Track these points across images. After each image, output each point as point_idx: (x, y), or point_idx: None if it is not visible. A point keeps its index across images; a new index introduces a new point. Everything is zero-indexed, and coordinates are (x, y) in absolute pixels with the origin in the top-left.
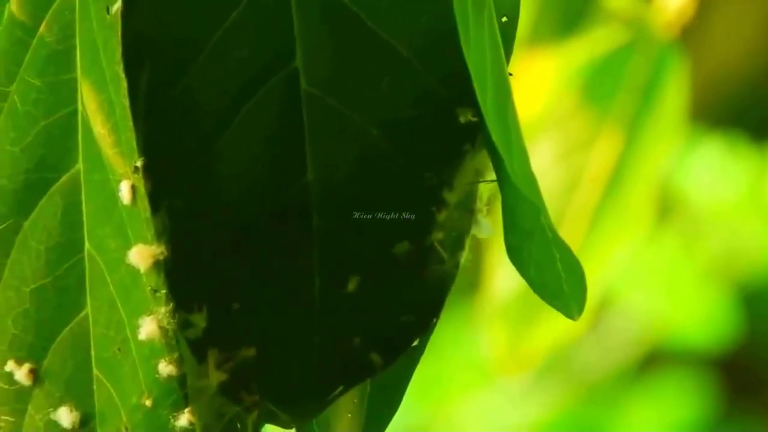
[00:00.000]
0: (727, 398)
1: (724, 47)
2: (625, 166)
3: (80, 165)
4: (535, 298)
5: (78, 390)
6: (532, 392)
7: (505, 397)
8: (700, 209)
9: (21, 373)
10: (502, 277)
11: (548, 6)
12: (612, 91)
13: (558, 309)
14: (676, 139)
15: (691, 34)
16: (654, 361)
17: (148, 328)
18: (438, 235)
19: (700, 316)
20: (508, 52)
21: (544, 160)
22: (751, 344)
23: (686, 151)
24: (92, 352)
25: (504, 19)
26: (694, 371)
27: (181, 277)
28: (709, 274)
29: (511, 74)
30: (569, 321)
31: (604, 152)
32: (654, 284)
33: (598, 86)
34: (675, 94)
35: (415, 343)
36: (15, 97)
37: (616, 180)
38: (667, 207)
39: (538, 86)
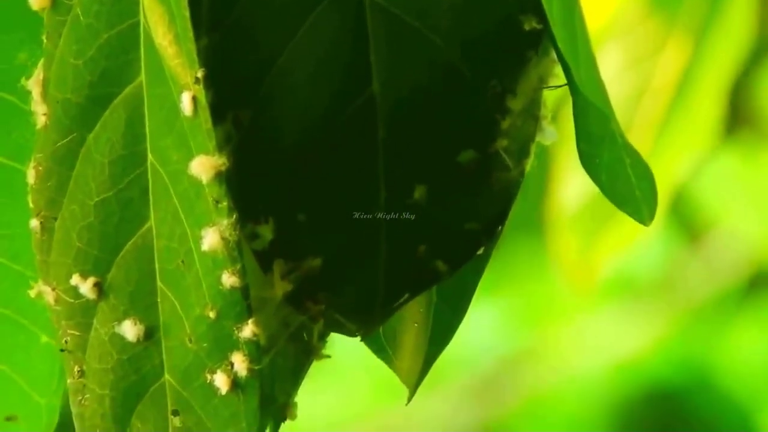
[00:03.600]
0: None
1: None
2: (692, 74)
3: (143, 77)
4: (603, 207)
5: (142, 303)
6: (635, 315)
7: (608, 319)
8: None
9: (86, 287)
10: (569, 186)
11: None
12: None
13: (629, 214)
14: (744, 47)
15: None
16: (759, 283)
17: (210, 239)
18: (503, 143)
19: None
20: None
21: (612, 68)
22: None
23: None
24: (156, 265)
25: None
26: None
27: (246, 189)
28: None
29: None
30: (637, 229)
31: (671, 60)
32: (758, 206)
33: None
34: (743, 2)
35: (480, 251)
36: (78, 9)
37: (683, 88)
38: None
39: None
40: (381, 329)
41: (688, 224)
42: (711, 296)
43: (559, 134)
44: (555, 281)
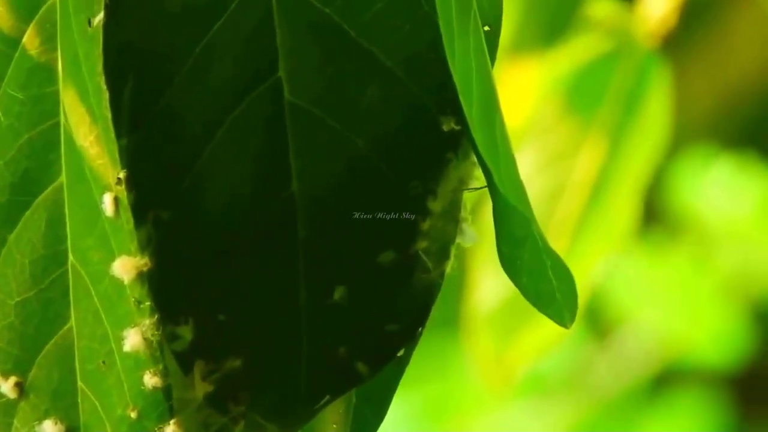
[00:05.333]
0: (742, 415)
1: (718, 60)
2: (608, 174)
3: (63, 177)
4: (520, 307)
5: (63, 402)
6: (546, 411)
7: (520, 415)
8: (713, 228)
9: (7, 387)
10: (487, 286)
11: (532, 14)
12: (596, 100)
13: (550, 317)
14: (657, 148)
15: (675, 44)
16: (668, 379)
17: (132, 339)
18: (423, 244)
19: (713, 334)
20: (491, 61)
21: (529, 169)
22: (762, 359)
23: (698, 170)
24: (77, 365)
25: (486, 28)
26: (709, 389)
27: (166, 289)
28: (721, 292)
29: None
30: (554, 330)
31: (588, 161)
32: (667, 302)
33: (582, 95)
34: (658, 104)
35: (401, 352)
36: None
37: (599, 188)
38: (680, 226)
39: (523, 95)
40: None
41: (598, 321)
42: (620, 392)
43: (477, 235)
44: (470, 379)
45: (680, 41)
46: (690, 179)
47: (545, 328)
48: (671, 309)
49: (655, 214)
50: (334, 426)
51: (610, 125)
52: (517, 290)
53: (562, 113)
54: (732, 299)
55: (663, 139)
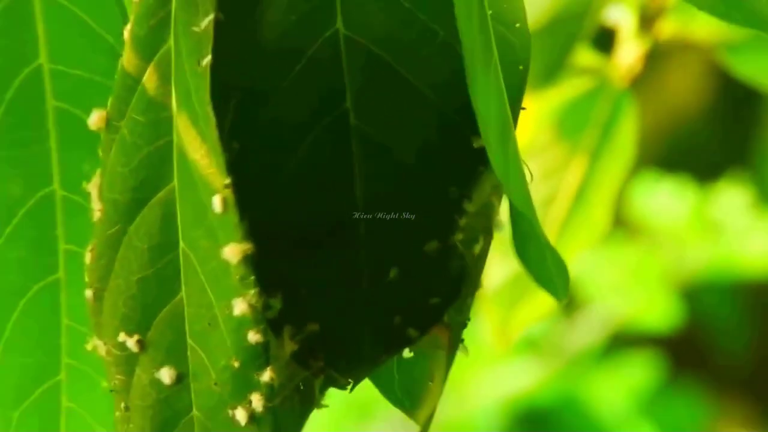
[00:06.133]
0: (673, 370)
1: (670, 96)
2: (588, 187)
3: (175, 183)
4: (521, 285)
5: (175, 355)
6: (530, 366)
7: (503, 371)
8: (657, 230)
9: (130, 342)
10: (495, 270)
11: (531, 62)
12: (580, 129)
13: (549, 292)
14: (627, 167)
15: (641, 85)
16: (617, 342)
17: (240, 306)
18: (459, 236)
19: (653, 309)
20: (522, 93)
21: (530, 180)
22: (690, 329)
23: (646, 188)
24: (186, 326)
25: (521, 67)
26: (648, 350)
27: (262, 270)
28: (660, 278)
29: (524, 108)
30: (545, 304)
31: (573, 176)
32: (621, 286)
33: (569, 124)
34: (627, 132)
35: (446, 318)
36: (124, 130)
37: (581, 198)
38: (634, 228)
39: (523, 123)
40: (397, 387)
41: (570, 300)
42: (583, 352)
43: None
44: (482, 338)
45: (644, 83)
46: (642, 193)
47: (539, 301)
48: (624, 291)
49: (616, 219)
50: (430, 383)
51: (591, 149)
52: (518, 272)
53: (553, 138)
54: (669, 283)
55: (630, 160)
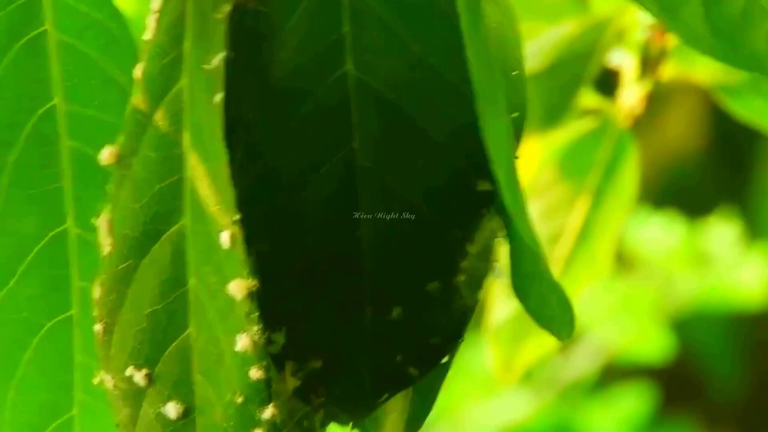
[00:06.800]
0: (664, 401)
1: (667, 136)
2: (591, 226)
3: (186, 219)
4: (523, 324)
5: (182, 389)
6: (520, 396)
7: (498, 401)
8: (648, 263)
9: (138, 377)
10: (499, 308)
11: (536, 104)
12: (583, 169)
13: (552, 332)
14: (629, 206)
15: (641, 125)
16: (609, 373)
17: (243, 342)
18: (461, 278)
19: (645, 340)
20: (518, 140)
21: (533, 219)
22: (681, 361)
23: (639, 223)
24: (194, 361)
25: (515, 114)
26: (640, 381)
27: (266, 305)
28: (652, 310)
29: (517, 157)
30: (549, 341)
31: (577, 214)
32: (611, 317)
33: (573, 164)
34: (629, 172)
35: (445, 359)
36: (137, 166)
37: (584, 237)
38: (626, 261)
39: (527, 163)
40: (366, 419)
41: None
42: (576, 382)
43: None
44: (479, 367)
45: (644, 123)
46: (634, 227)
47: (544, 338)
48: (616, 322)
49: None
50: (395, 414)
51: (593, 188)
52: (522, 311)
53: (556, 178)
54: (660, 315)
55: (632, 199)
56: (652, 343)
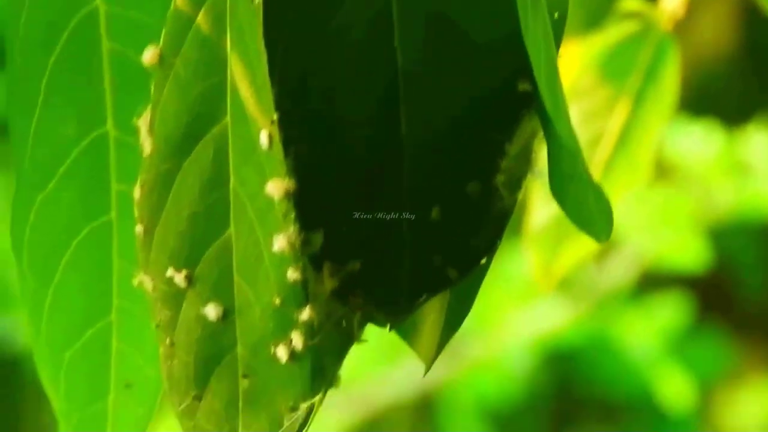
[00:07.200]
0: (700, 310)
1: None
2: (632, 130)
3: (227, 119)
4: (562, 228)
5: (222, 291)
6: (557, 305)
7: (534, 310)
8: (685, 172)
9: (178, 278)
10: (539, 214)
11: (578, 8)
12: (624, 72)
13: (590, 234)
14: (669, 111)
15: (682, 29)
16: (646, 283)
17: (280, 243)
18: (501, 178)
19: (681, 250)
20: (559, 41)
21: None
22: (718, 270)
23: (677, 131)
24: (234, 262)
25: (556, 15)
26: (676, 291)
27: (304, 205)
28: (689, 219)
29: (559, 56)
30: (587, 245)
31: (617, 118)
32: (648, 227)
33: (614, 68)
34: (670, 76)
35: (483, 261)
36: (179, 67)
37: (625, 141)
38: (663, 171)
39: (569, 67)
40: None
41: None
42: (614, 291)
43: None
44: (518, 275)
45: (686, 27)
46: (671, 135)
47: (583, 242)
48: (653, 232)
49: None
50: (432, 317)
51: (634, 92)
52: (561, 215)
53: (598, 81)
54: (697, 224)
55: (673, 104)
56: (689, 252)
